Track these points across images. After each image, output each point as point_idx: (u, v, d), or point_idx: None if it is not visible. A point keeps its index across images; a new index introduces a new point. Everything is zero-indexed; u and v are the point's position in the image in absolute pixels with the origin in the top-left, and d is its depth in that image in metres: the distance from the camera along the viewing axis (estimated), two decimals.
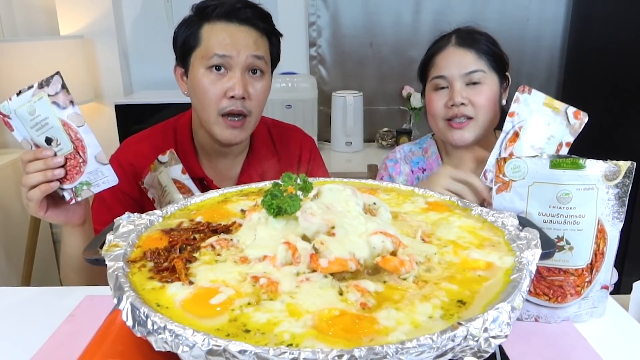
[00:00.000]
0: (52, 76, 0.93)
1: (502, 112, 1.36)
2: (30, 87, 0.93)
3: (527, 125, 1.06)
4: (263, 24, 1.25)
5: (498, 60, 1.31)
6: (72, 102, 0.94)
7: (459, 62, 1.28)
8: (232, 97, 1.21)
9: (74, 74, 2.45)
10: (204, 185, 1.33)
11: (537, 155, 0.95)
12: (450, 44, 1.31)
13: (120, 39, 2.73)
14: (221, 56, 1.20)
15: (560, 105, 1.06)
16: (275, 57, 1.32)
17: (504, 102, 1.34)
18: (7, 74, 2.31)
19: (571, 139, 1.06)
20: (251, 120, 1.26)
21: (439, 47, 1.33)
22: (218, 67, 1.21)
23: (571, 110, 1.05)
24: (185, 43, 1.25)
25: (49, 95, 0.92)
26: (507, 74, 1.34)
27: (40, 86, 0.93)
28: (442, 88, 1.30)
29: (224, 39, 1.20)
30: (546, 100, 1.06)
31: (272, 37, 1.29)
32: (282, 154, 1.42)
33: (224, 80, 1.21)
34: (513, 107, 1.07)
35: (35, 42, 2.37)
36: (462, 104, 1.27)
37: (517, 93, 1.07)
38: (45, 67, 2.33)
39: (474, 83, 1.28)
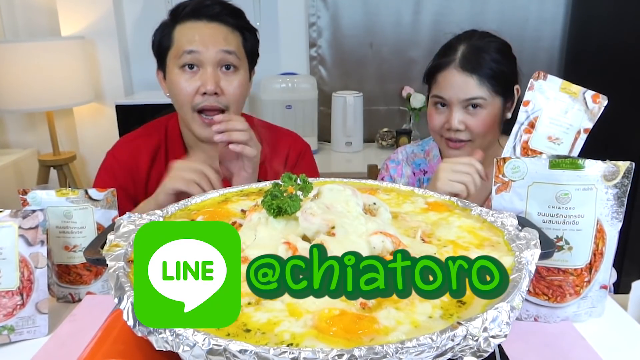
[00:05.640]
0: (34, 211, 0.86)
1: (506, 123, 1.33)
2: (1, 211, 0.86)
3: (543, 115, 1.00)
4: (233, 19, 1.26)
5: (503, 81, 1.26)
6: (42, 242, 0.87)
7: (459, 87, 1.25)
8: (205, 93, 1.22)
9: (75, 75, 2.46)
10: None
11: (536, 156, 0.95)
12: (453, 64, 1.26)
13: (121, 40, 2.73)
14: (190, 52, 1.21)
15: (578, 89, 1.00)
16: (251, 53, 1.31)
17: (508, 116, 1.31)
18: (9, 75, 2.32)
19: (589, 125, 1.00)
20: (230, 115, 1.24)
21: (443, 64, 1.28)
22: (191, 66, 1.23)
23: (589, 94, 0.99)
24: (160, 46, 1.28)
25: (19, 227, 0.85)
26: (517, 87, 1.30)
27: (15, 215, 0.85)
28: (443, 105, 1.30)
29: (193, 36, 1.22)
30: (563, 85, 1.00)
31: (245, 32, 1.29)
32: (268, 155, 1.38)
33: (196, 77, 1.23)
34: (527, 96, 1.01)
35: (36, 42, 2.37)
36: (459, 129, 1.27)
37: (531, 80, 1.01)
38: (46, 68, 2.34)
39: (474, 106, 1.25)
